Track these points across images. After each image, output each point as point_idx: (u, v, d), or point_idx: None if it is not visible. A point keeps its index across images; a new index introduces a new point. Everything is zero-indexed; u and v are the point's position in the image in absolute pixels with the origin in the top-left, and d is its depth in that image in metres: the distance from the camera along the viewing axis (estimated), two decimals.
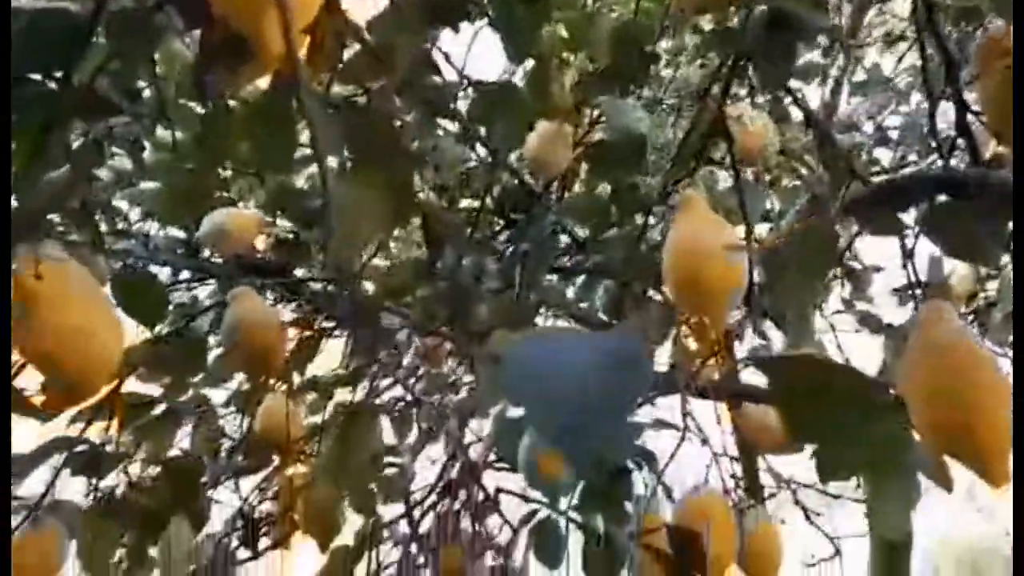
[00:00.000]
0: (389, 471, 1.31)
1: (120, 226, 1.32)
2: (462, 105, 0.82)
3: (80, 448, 0.76)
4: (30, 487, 0.95)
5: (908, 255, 0.50)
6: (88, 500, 0.84)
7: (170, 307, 1.13)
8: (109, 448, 0.78)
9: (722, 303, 0.49)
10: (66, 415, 0.84)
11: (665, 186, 0.66)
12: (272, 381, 1.11)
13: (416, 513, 0.96)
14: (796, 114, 1.62)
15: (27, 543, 0.82)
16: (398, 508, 1.08)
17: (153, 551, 1.10)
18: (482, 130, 1.00)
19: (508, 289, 0.85)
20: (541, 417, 0.25)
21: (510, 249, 0.84)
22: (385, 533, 1.14)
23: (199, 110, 0.95)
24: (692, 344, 1.51)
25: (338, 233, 0.50)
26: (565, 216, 0.75)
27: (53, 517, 0.85)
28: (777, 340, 1.63)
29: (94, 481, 0.82)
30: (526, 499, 0.94)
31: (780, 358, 0.37)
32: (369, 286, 0.97)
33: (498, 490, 0.92)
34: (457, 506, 0.88)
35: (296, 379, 1.02)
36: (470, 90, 0.78)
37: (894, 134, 1.21)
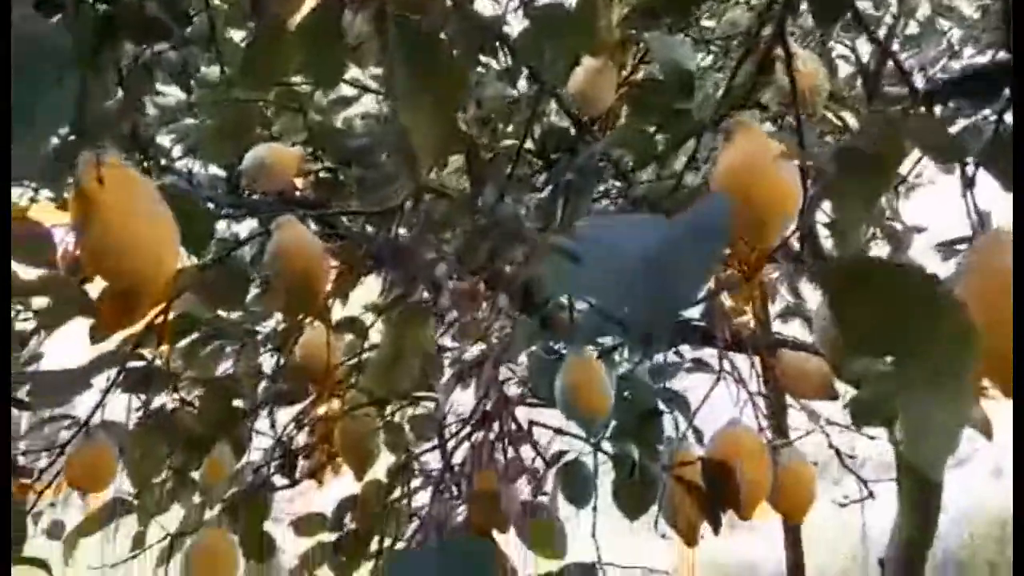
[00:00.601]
0: (421, 410, 1.33)
1: (163, 163, 1.34)
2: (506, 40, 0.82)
3: (132, 365, 0.78)
4: (79, 407, 0.99)
5: (968, 184, 0.49)
6: (135, 419, 0.87)
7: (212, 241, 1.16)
8: (158, 364, 0.81)
9: (772, 225, 0.49)
10: (114, 339, 0.87)
11: (714, 116, 0.65)
12: (310, 319, 1.13)
13: (450, 446, 0.98)
14: (843, 70, 1.58)
15: (79, 457, 0.86)
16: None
17: (195, 474, 1.14)
18: (525, 71, 1.00)
19: (548, 228, 0.86)
20: (615, 283, 0.25)
21: (550, 187, 0.83)
22: (418, 471, 1.17)
23: (244, 44, 0.95)
24: (727, 299, 1.51)
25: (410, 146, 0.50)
26: (609, 148, 0.74)
27: (103, 433, 0.88)
28: (811, 299, 1.61)
29: (143, 399, 0.86)
30: (559, 432, 0.95)
31: (838, 261, 0.36)
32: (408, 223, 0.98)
33: (531, 423, 0.93)
34: (491, 437, 0.89)
35: (336, 310, 1.04)
36: (515, 25, 0.77)
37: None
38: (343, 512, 1.08)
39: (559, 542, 1.17)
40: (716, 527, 0.76)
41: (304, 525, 1.30)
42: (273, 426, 1.29)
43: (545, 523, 1.15)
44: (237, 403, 0.97)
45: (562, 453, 1.28)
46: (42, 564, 0.78)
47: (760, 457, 0.75)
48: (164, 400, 0.86)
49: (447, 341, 1.39)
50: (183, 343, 0.81)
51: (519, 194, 0.86)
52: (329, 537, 1.27)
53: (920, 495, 1.37)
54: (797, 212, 0.49)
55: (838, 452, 0.86)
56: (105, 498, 0.97)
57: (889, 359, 0.39)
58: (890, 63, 1.40)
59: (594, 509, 1.28)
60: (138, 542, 1.06)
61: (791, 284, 1.87)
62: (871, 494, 0.83)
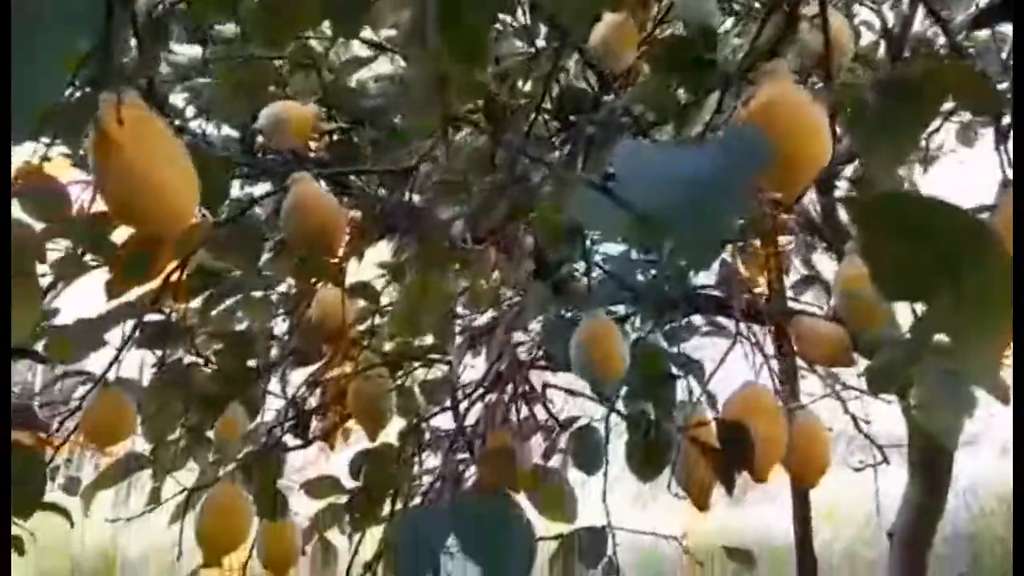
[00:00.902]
0: (433, 375, 1.34)
1: (177, 123, 1.33)
2: None
3: (148, 319, 0.78)
4: (95, 364, 1.00)
5: (1003, 138, 0.48)
6: (151, 375, 0.88)
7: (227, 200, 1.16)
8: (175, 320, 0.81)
9: (802, 165, 0.48)
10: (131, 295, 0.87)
11: (737, 72, 0.64)
12: (323, 283, 1.13)
13: (462, 408, 0.98)
14: (865, 39, 1.56)
15: (95, 412, 0.86)
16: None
17: (210, 434, 1.15)
18: (544, 28, 0.98)
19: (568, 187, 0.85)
20: (658, 203, 0.24)
21: (570, 144, 0.82)
22: (429, 435, 1.18)
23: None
24: (743, 269, 1.50)
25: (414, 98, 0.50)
26: (630, 104, 0.73)
27: (119, 389, 0.89)
28: (826, 269, 1.60)
29: (159, 355, 0.86)
30: (572, 393, 0.95)
31: (873, 194, 0.35)
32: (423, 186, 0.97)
33: (545, 385, 0.93)
34: (504, 399, 0.89)
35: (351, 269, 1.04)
36: None
37: (971, 52, 1.15)
38: (357, 466, 1.08)
39: (569, 506, 1.17)
40: (730, 488, 0.76)
41: (316, 488, 1.32)
42: (285, 389, 1.30)
43: (556, 487, 1.15)
44: (251, 363, 0.97)
45: (574, 419, 1.28)
46: (63, 511, 0.79)
47: (776, 418, 0.75)
48: (180, 356, 0.86)
49: (459, 309, 1.39)
50: (199, 300, 0.80)
51: (538, 152, 0.85)
52: (341, 499, 1.28)
53: (931, 469, 1.37)
54: (826, 159, 0.48)
55: (854, 418, 0.85)
56: (120, 453, 0.98)
57: (921, 306, 0.38)
58: (913, 28, 1.37)
59: (604, 475, 1.28)
60: (154, 497, 1.07)
61: (805, 257, 1.86)
62: (885, 459, 0.83)
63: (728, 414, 0.76)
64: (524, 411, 0.85)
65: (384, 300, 1.28)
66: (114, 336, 0.91)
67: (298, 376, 1.29)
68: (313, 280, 1.08)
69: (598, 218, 0.28)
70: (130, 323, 0.85)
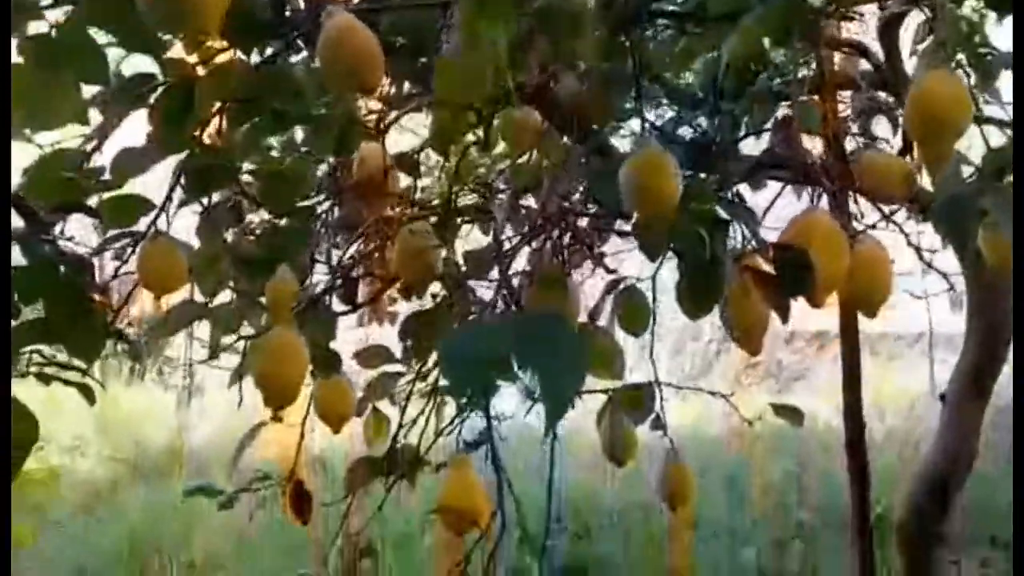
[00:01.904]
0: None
1: None
2: None
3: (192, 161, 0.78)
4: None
5: None
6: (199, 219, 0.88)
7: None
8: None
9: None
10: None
11: None
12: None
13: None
14: None
15: (149, 257, 0.88)
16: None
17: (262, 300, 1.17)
18: None
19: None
20: None
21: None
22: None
23: None
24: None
25: None
26: None
27: (170, 237, 0.90)
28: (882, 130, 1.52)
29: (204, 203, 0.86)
30: (620, 234, 0.93)
31: None
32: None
33: (594, 227, 0.91)
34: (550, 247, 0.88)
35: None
36: None
37: None
38: (407, 330, 1.10)
39: (617, 363, 1.18)
40: (785, 315, 0.74)
41: (367, 357, 1.35)
42: (329, 260, 1.31)
43: (603, 343, 1.16)
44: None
45: (619, 280, 1.27)
46: (126, 339, 0.81)
47: (837, 242, 0.72)
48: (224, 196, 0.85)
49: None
50: (243, 129, 0.79)
51: None
52: (392, 368, 1.31)
53: (988, 330, 1.32)
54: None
55: (918, 250, 0.82)
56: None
57: None
58: None
59: (651, 333, 1.28)
60: (213, 350, 1.10)
61: (863, 124, 1.77)
62: (952, 287, 0.80)
63: (787, 238, 0.73)
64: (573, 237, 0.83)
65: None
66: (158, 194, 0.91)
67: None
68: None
69: None
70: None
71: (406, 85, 1.19)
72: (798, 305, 0.73)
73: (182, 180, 0.81)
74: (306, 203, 1.00)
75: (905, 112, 0.72)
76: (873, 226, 0.77)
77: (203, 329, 1.15)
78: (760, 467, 3.32)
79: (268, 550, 2.72)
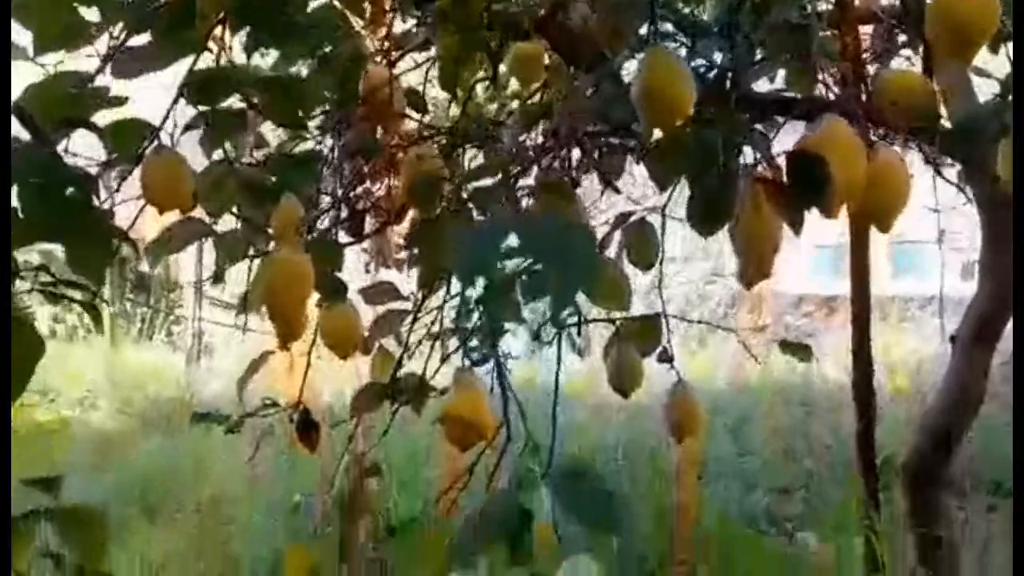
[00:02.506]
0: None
1: None
2: None
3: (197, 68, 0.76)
4: None
5: None
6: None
7: None
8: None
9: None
10: None
11: None
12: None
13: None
14: None
15: (153, 169, 0.86)
16: None
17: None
18: None
19: None
20: None
21: None
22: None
23: None
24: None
25: None
26: None
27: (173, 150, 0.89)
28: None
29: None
30: (628, 151, 0.91)
31: None
32: None
33: (604, 144, 0.90)
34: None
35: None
36: None
37: None
38: (416, 236, 1.08)
39: (625, 294, 1.17)
40: (797, 227, 0.73)
41: (374, 295, 1.34)
42: (335, 193, 1.29)
43: (612, 274, 1.15)
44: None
45: (628, 214, 1.25)
46: (129, 241, 0.81)
47: (855, 150, 0.70)
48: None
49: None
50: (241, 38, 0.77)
51: None
52: (400, 305, 1.31)
53: (1003, 259, 1.29)
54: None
55: (936, 167, 0.80)
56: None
57: None
58: None
59: (660, 264, 1.27)
60: (218, 275, 1.10)
61: (883, 62, 1.73)
62: (969, 200, 0.78)
63: (804, 145, 0.71)
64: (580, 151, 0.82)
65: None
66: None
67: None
68: None
69: None
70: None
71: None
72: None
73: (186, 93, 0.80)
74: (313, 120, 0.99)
75: (927, 19, 0.70)
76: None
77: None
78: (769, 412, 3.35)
79: (278, 486, 2.77)
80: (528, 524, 0.60)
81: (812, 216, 0.73)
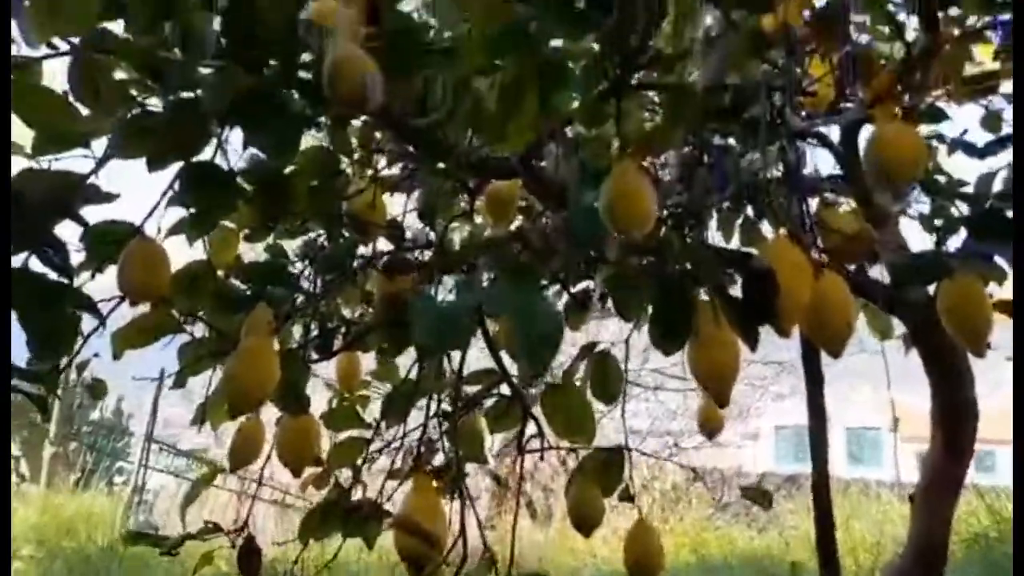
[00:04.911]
0: None
1: None
2: None
3: None
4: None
5: None
6: None
7: None
8: None
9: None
10: None
11: None
12: None
13: None
14: None
15: (130, 256, 0.87)
16: None
17: None
18: None
19: None
20: None
21: None
22: None
23: None
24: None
25: None
26: None
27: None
28: None
29: None
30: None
31: None
32: None
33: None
34: None
35: None
36: None
37: None
38: None
39: (590, 427, 1.16)
40: (752, 343, 0.76)
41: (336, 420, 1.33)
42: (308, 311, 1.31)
43: (577, 404, 1.15)
44: None
45: (593, 345, 1.28)
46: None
47: (801, 267, 0.74)
48: None
49: None
50: None
51: None
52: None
53: (954, 427, 1.32)
54: None
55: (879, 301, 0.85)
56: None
57: None
58: None
59: (623, 395, 1.28)
60: (180, 381, 1.09)
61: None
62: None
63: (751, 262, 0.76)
64: None
65: None
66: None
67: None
68: None
69: None
70: None
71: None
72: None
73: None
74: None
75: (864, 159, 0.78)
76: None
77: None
78: None
79: None
80: None
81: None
